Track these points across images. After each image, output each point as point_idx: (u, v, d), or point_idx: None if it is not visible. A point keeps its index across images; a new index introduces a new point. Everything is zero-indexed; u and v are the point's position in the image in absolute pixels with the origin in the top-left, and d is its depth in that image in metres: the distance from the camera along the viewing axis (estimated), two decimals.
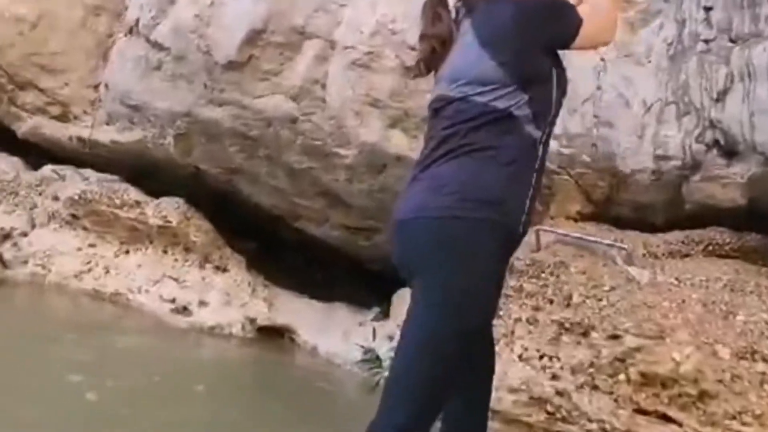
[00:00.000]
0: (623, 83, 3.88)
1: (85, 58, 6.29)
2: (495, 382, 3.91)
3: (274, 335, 5.68)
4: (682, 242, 3.82)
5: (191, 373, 4.54)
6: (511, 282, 3.92)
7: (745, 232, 3.74)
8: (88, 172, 6.38)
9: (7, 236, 6.53)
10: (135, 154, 5.89)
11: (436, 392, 2.52)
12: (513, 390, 3.79)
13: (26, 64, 6.41)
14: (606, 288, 3.74)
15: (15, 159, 6.94)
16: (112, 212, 6.12)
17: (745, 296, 3.56)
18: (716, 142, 3.61)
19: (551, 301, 3.81)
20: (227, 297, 5.72)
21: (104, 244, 6.30)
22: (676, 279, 3.66)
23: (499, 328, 3.93)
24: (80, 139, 6.30)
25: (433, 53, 2.66)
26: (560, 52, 2.63)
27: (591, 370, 3.61)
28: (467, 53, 2.54)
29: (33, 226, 6.66)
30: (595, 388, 3.60)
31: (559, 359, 3.74)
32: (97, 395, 3.73)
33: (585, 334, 3.68)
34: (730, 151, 3.58)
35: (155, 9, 5.04)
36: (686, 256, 3.80)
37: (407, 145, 4.27)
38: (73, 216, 6.37)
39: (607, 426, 3.40)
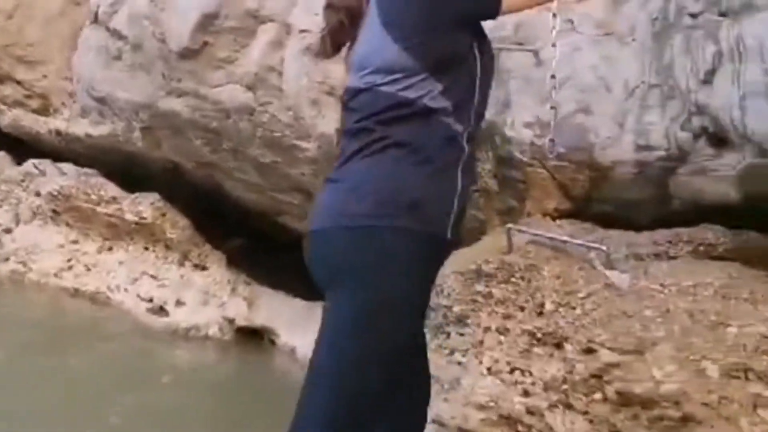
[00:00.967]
0: (604, 64, 3.46)
1: (62, 48, 6.04)
2: (461, 399, 3.60)
3: (254, 336, 5.39)
4: (669, 242, 3.40)
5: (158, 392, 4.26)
6: (479, 287, 3.56)
7: (740, 230, 3.31)
8: (67, 166, 6.18)
9: None
10: (109, 148, 5.64)
11: (360, 422, 2.23)
12: (481, 407, 3.44)
13: (2, 55, 6.19)
14: (581, 294, 3.35)
15: (1, 153, 6.76)
16: (90, 208, 5.90)
17: (738, 304, 3.14)
18: (704, 129, 3.18)
19: (522, 309, 3.44)
20: (205, 296, 5.46)
21: (87, 241, 6.10)
22: (660, 284, 3.26)
23: (467, 337, 3.58)
24: (58, 133, 6.08)
25: (341, 27, 2.34)
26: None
27: (565, 386, 3.24)
28: (371, 35, 2.24)
29: (18, 222, 6.47)
30: (569, 407, 3.23)
31: (531, 374, 3.37)
32: None
33: (558, 346, 3.30)
34: (719, 140, 3.15)
35: None
36: (673, 257, 3.39)
37: None
38: (55, 212, 6.17)
39: None
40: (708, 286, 3.23)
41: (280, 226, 5.39)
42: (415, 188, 2.18)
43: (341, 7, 2.32)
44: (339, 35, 2.34)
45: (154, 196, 5.60)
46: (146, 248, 5.81)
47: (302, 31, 3.91)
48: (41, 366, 4.35)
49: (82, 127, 5.78)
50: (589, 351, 3.17)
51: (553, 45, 3.25)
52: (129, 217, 5.62)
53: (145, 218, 5.52)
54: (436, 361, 3.29)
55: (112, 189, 5.78)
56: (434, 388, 2.91)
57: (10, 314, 5.34)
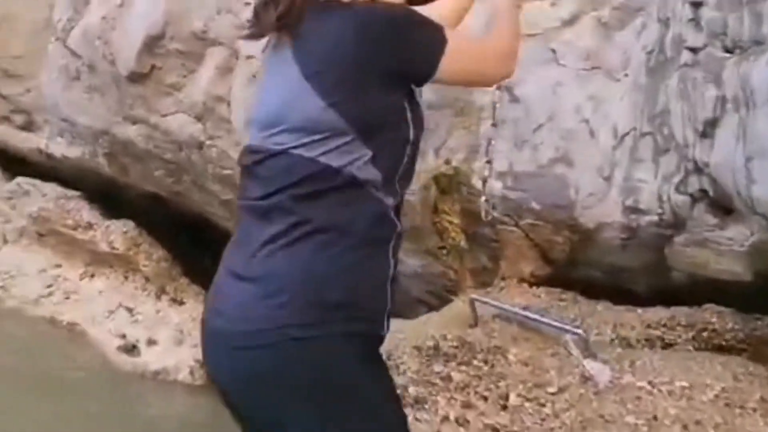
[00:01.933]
0: (589, 105, 2.84)
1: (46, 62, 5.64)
2: None
3: None
4: (664, 325, 2.79)
5: None
6: (437, 368, 3.01)
7: (750, 314, 2.67)
8: (49, 186, 5.76)
9: None
10: (87, 170, 5.22)
11: None
12: None
13: None
14: (552, 389, 2.77)
15: None
16: (69, 233, 5.51)
17: (744, 415, 2.53)
18: (704, 193, 2.56)
19: (485, 398, 2.89)
20: (180, 335, 4.99)
21: (70, 266, 5.70)
22: (649, 382, 2.68)
23: (423, 425, 3.03)
24: (40, 151, 5.67)
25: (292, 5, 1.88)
26: None
27: None
28: (285, 88, 1.85)
29: (6, 242, 6.13)
30: None
31: None
32: None
33: None
34: (721, 208, 2.51)
35: (71, 10, 4.29)
36: (669, 345, 2.76)
37: None
38: (39, 234, 5.80)
39: None
40: (707, 389, 2.62)
41: None
42: (346, 283, 1.81)
43: None
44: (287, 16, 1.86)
45: (128, 225, 5.17)
46: (126, 277, 5.40)
47: (249, 57, 3.37)
48: None
49: (60, 148, 5.38)
50: None
51: (493, 125, 2.69)
52: (103, 246, 5.18)
53: (116, 249, 5.08)
54: None
55: (88, 214, 5.38)
56: None
57: None
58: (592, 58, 2.90)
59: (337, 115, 1.79)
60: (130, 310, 5.24)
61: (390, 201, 1.87)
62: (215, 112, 3.66)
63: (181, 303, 5.14)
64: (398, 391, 3.11)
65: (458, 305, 3.29)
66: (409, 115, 1.88)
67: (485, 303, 2.94)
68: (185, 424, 4.55)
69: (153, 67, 3.79)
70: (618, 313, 2.91)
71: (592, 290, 3.01)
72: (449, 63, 1.85)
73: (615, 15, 2.89)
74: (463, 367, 2.97)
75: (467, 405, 2.95)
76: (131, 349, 5.07)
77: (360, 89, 1.82)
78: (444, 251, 3.28)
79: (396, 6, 1.97)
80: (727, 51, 2.47)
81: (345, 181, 1.81)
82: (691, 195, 2.60)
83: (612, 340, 2.84)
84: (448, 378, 3.00)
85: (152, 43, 3.73)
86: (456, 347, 2.99)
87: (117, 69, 3.94)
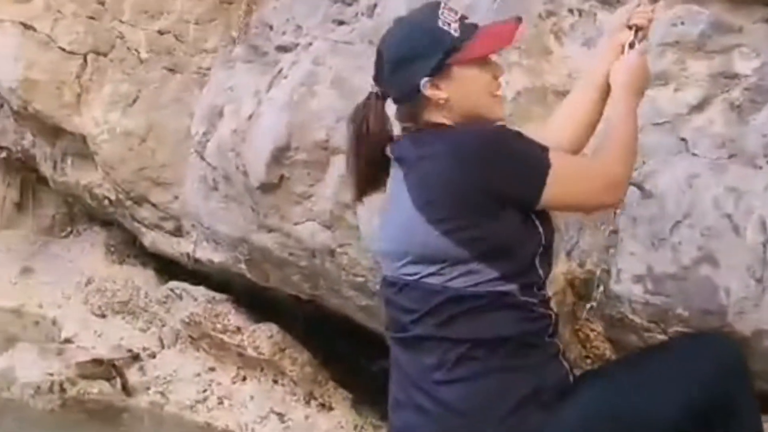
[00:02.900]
0: (730, 198, 2.58)
1: None
2: None
3: None
4: None
5: None
6: None
7: None
8: (198, 291, 5.93)
9: (135, 358, 6.28)
10: (233, 274, 5.33)
11: None
12: None
13: (138, 178, 6.10)
14: None
15: (150, 272, 6.72)
16: (219, 337, 5.62)
17: None
18: None
19: None
20: None
21: (222, 370, 5.81)
22: None
23: None
24: (188, 256, 5.86)
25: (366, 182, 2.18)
26: None
27: None
28: (403, 214, 2.01)
29: (163, 347, 6.35)
30: None
31: None
32: None
33: None
34: None
35: (207, 123, 4.44)
36: None
37: None
38: (191, 338, 5.96)
39: None
40: None
41: None
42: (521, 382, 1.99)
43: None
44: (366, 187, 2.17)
45: (272, 328, 5.23)
46: (275, 381, 5.43)
47: None
48: None
49: (206, 253, 5.53)
50: None
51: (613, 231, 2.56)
52: (250, 351, 5.24)
53: (263, 354, 5.12)
54: None
55: (235, 318, 5.48)
56: None
57: None
58: (727, 145, 2.65)
59: (453, 243, 1.89)
60: (280, 415, 5.27)
61: (533, 299, 1.94)
62: (344, 219, 3.68)
63: (330, 408, 5.12)
64: None
65: None
66: (536, 221, 1.92)
67: None
68: None
69: (282, 177, 3.86)
70: None
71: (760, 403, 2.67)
72: (553, 187, 1.84)
73: (748, 96, 2.64)
74: None
75: None
76: None
77: (470, 214, 1.88)
78: (588, 362, 3.05)
79: (495, 127, 1.97)
80: None
81: (480, 302, 1.90)
82: None
83: None
84: None
85: (279, 154, 3.79)
86: None
87: (249, 180, 4.02)
